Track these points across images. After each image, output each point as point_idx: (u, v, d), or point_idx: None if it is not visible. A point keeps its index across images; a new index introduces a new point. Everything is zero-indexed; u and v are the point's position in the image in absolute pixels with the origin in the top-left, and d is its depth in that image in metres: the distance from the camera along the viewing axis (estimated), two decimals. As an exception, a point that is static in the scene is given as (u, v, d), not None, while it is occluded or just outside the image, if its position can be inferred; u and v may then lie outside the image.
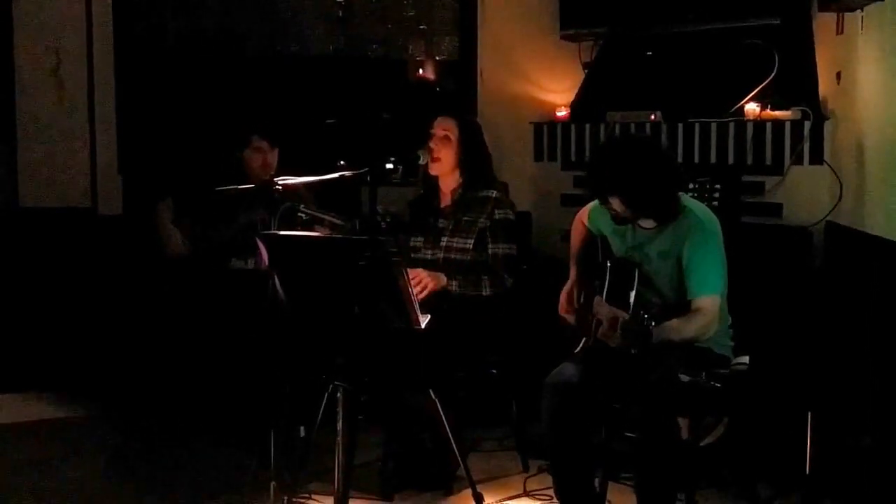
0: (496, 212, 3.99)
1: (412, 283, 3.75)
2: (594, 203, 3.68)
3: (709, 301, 3.34)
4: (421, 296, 3.75)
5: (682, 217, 3.41)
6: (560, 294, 3.69)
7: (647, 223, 3.46)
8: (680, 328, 3.29)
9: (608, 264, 3.51)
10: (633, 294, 3.38)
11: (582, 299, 3.62)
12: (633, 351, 3.18)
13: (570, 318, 3.65)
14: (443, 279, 3.89)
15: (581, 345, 3.58)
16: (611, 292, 3.44)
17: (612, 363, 3.33)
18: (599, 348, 3.37)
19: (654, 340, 3.13)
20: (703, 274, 3.35)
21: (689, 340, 3.32)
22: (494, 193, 4.03)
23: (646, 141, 3.74)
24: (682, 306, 3.37)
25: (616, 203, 3.37)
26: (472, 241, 3.97)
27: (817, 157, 4.59)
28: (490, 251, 3.97)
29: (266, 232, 3.48)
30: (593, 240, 3.70)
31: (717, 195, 4.49)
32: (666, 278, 3.44)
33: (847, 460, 3.64)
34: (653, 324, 3.09)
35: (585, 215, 3.76)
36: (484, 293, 3.93)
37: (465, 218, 4.01)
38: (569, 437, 3.39)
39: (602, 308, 3.35)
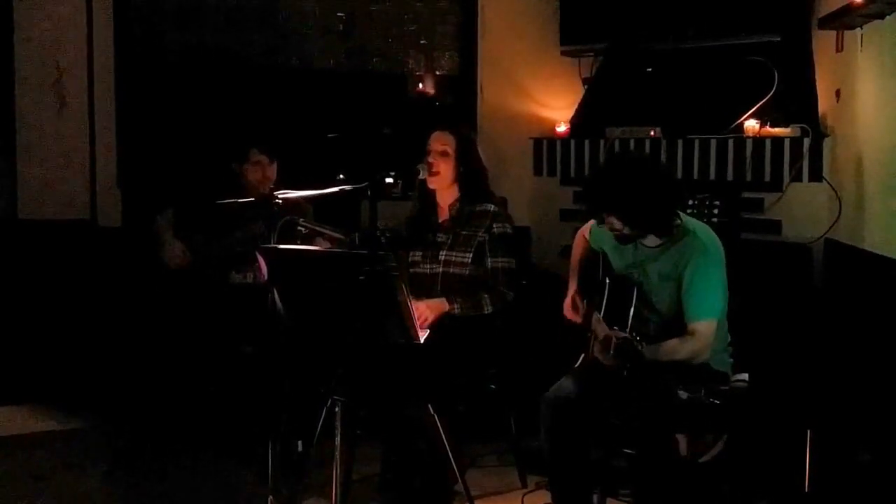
0: (494, 226, 3.99)
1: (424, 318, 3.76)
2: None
3: (705, 325, 3.34)
4: (425, 326, 3.75)
5: (686, 239, 3.40)
6: (563, 306, 3.70)
7: (650, 241, 3.46)
8: (673, 350, 3.30)
9: (607, 281, 3.51)
10: (631, 312, 3.38)
11: (582, 315, 3.62)
12: (624, 373, 3.18)
13: (577, 318, 3.64)
14: (444, 306, 3.86)
15: (580, 360, 3.58)
16: (609, 309, 3.44)
17: (611, 379, 3.33)
18: (598, 364, 3.37)
19: (646, 360, 3.13)
20: (701, 298, 3.35)
21: (681, 362, 3.32)
22: (492, 208, 4.03)
23: (642, 159, 3.76)
24: (680, 326, 3.37)
25: (614, 221, 3.38)
26: (471, 255, 3.97)
27: (816, 174, 4.60)
28: (489, 265, 3.96)
29: (265, 245, 3.48)
30: (594, 256, 3.70)
31: (716, 212, 4.48)
32: (665, 299, 3.44)
33: (846, 477, 3.64)
34: (643, 345, 3.09)
35: (587, 230, 3.77)
36: (486, 311, 3.91)
37: (464, 232, 4.01)
38: (567, 453, 3.39)
39: (599, 326, 3.35)
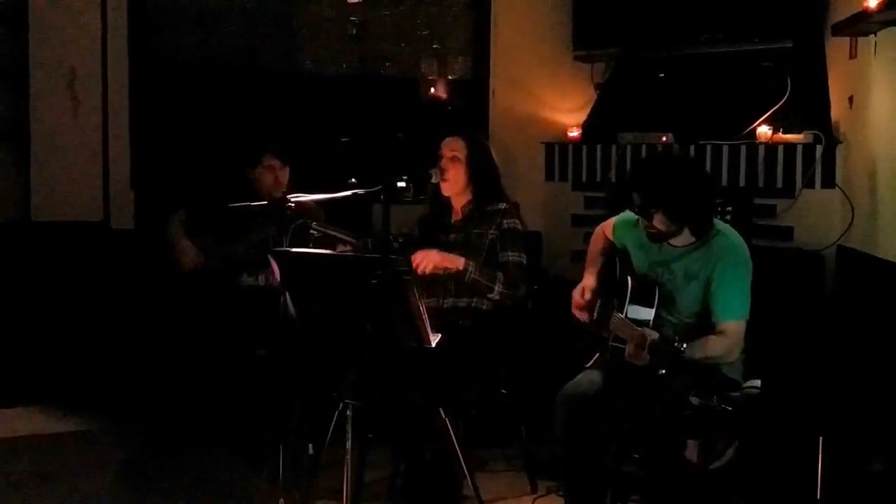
0: (504, 222, 4.00)
1: (418, 259, 3.82)
2: (620, 216, 3.69)
3: (734, 325, 3.36)
4: (423, 268, 3.84)
5: (715, 239, 3.43)
6: (572, 295, 3.70)
7: (678, 240, 3.46)
8: (706, 347, 3.30)
9: (629, 280, 3.51)
10: (652, 312, 3.38)
11: (596, 314, 3.62)
12: (661, 372, 3.18)
13: (582, 315, 3.65)
14: (459, 261, 3.89)
15: (594, 359, 3.58)
16: (630, 309, 3.44)
17: (628, 379, 3.33)
18: (615, 366, 3.37)
19: (685, 359, 3.14)
20: (730, 297, 3.37)
21: (709, 361, 3.32)
22: (503, 205, 4.04)
23: (684, 157, 3.78)
24: (700, 328, 3.37)
25: (659, 219, 3.38)
26: (483, 256, 3.98)
27: (829, 181, 4.60)
28: (501, 259, 3.98)
29: (278, 249, 3.48)
30: (612, 255, 3.70)
31: (728, 218, 4.50)
32: (688, 299, 3.44)
33: (858, 486, 3.62)
34: (684, 345, 3.09)
35: (609, 228, 3.77)
36: (496, 288, 3.91)
37: (476, 231, 4.03)
38: (581, 450, 3.38)
39: (624, 327, 3.34)
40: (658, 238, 3.46)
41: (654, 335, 3.18)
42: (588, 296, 3.68)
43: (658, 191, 3.36)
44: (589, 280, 3.73)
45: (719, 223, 3.52)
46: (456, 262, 3.90)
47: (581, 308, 3.69)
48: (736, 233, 3.52)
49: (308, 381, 3.80)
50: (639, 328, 3.28)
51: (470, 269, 3.90)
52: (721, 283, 3.37)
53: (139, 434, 4.70)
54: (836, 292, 4.46)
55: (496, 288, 3.92)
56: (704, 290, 3.40)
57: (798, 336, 4.05)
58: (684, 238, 3.46)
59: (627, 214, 3.64)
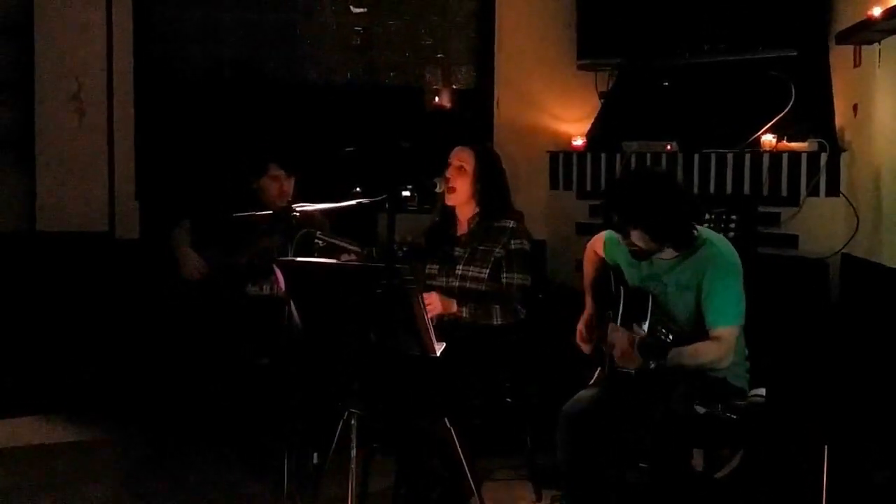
0: (512, 242, 3.99)
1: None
2: (609, 232, 3.69)
3: (727, 331, 3.35)
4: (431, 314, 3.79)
5: (703, 248, 3.42)
6: (577, 324, 3.71)
7: (666, 254, 3.46)
8: (696, 353, 3.30)
9: (622, 292, 3.51)
10: (646, 323, 3.38)
11: (595, 336, 3.62)
12: (651, 366, 3.18)
13: (586, 348, 3.66)
14: (453, 305, 3.90)
15: (596, 375, 3.58)
16: (625, 321, 3.44)
17: (629, 393, 3.33)
18: (616, 378, 3.37)
19: (670, 358, 3.15)
20: (722, 304, 3.36)
21: (703, 367, 3.32)
22: (511, 224, 4.03)
23: (662, 173, 3.77)
24: (699, 338, 3.37)
25: (637, 236, 3.38)
26: (488, 271, 3.97)
27: (833, 189, 4.59)
28: (504, 281, 3.97)
29: (283, 258, 3.49)
30: (606, 270, 3.71)
31: (732, 226, 4.49)
32: (683, 310, 3.44)
33: (863, 495, 3.62)
34: (670, 337, 3.09)
35: (599, 245, 3.77)
36: (495, 322, 3.92)
37: (481, 247, 4.01)
38: (584, 467, 3.38)
39: (617, 335, 3.34)
40: (641, 255, 3.46)
41: (642, 333, 3.19)
42: (593, 333, 3.68)
43: (633, 209, 3.37)
44: (589, 310, 3.74)
45: (705, 231, 3.52)
46: (451, 307, 3.90)
47: (585, 343, 3.70)
48: (724, 239, 3.53)
49: (312, 390, 3.80)
50: (629, 332, 3.29)
51: (464, 313, 3.91)
52: (712, 290, 3.37)
53: (143, 443, 4.70)
54: (841, 300, 4.45)
55: (495, 322, 3.92)
56: (698, 299, 3.40)
57: (802, 344, 4.05)
58: (669, 251, 3.46)
59: (613, 232, 3.65)
